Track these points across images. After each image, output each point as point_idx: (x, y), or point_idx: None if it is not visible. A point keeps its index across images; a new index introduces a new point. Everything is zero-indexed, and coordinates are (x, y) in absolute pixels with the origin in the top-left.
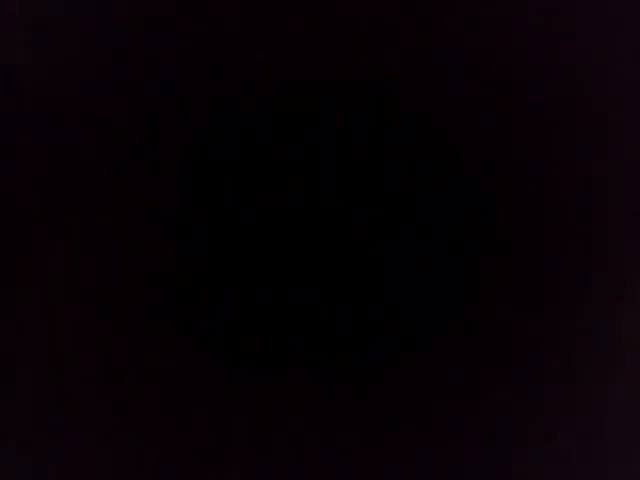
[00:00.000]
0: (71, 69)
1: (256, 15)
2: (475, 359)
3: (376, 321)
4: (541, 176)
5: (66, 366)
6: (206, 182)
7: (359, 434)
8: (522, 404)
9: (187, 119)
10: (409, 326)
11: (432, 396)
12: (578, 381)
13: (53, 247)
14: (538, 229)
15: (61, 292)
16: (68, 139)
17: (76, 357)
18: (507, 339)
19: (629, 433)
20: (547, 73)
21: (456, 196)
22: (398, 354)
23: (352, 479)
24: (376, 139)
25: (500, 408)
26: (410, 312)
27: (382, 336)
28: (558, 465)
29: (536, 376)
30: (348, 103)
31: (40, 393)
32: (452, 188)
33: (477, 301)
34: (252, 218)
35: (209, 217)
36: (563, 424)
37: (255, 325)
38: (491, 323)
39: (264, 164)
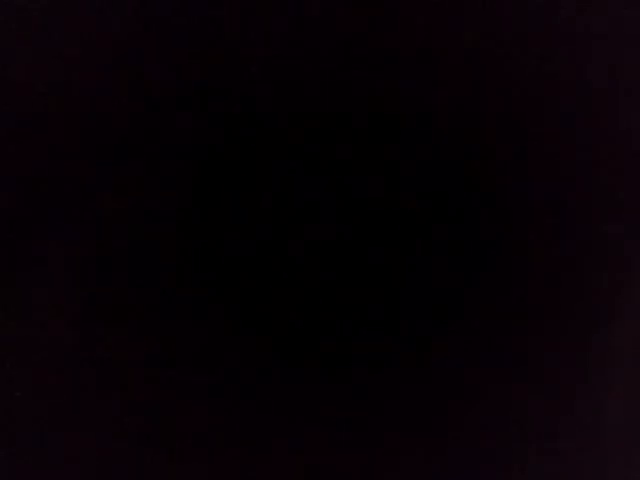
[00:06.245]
0: (70, 68)
1: (255, 16)
2: (475, 359)
3: (377, 321)
4: (541, 176)
5: (65, 365)
6: (204, 182)
7: (359, 434)
8: (522, 404)
9: (185, 120)
10: (409, 326)
11: (432, 396)
12: (578, 381)
13: (52, 246)
14: (538, 229)
15: (61, 290)
16: (66, 138)
17: (75, 356)
18: (507, 339)
19: (629, 433)
20: (547, 73)
21: (455, 196)
22: (398, 354)
23: (353, 479)
24: (375, 139)
25: (500, 408)
26: (410, 312)
27: (382, 336)
28: (558, 465)
29: (536, 376)
30: (347, 104)
31: (39, 392)
32: (452, 188)
33: (476, 301)
34: (252, 218)
35: (209, 216)
36: (563, 424)
37: (256, 325)
38: (490, 323)
39: (263, 164)
